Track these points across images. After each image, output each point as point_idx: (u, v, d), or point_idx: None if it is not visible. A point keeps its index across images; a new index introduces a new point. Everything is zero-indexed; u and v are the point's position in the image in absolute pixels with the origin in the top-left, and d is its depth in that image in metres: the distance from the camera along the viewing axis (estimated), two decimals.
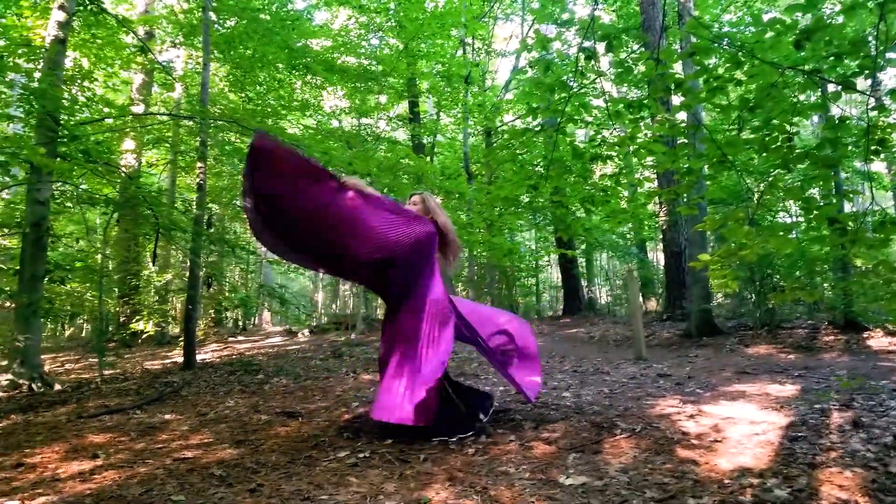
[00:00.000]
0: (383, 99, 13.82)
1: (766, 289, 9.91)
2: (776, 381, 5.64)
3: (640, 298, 8.48)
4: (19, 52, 5.81)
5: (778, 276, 10.09)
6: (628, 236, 19.98)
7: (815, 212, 3.66)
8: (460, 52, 14.00)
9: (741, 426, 3.80)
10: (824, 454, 3.17)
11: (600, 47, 3.98)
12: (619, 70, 3.74)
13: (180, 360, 8.03)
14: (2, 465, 3.50)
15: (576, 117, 4.03)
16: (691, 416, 4.14)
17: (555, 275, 27.87)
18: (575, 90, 3.96)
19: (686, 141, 3.97)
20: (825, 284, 10.63)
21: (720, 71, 3.67)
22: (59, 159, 5.80)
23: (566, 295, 18.39)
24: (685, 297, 11.86)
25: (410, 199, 4.30)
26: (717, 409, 4.35)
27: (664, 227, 12.85)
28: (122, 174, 7.09)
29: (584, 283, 20.01)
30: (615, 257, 20.88)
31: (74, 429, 4.45)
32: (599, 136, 4.13)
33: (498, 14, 18.35)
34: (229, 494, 2.86)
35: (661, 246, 20.94)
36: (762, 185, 4.06)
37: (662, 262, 17.20)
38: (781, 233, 3.93)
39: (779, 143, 3.55)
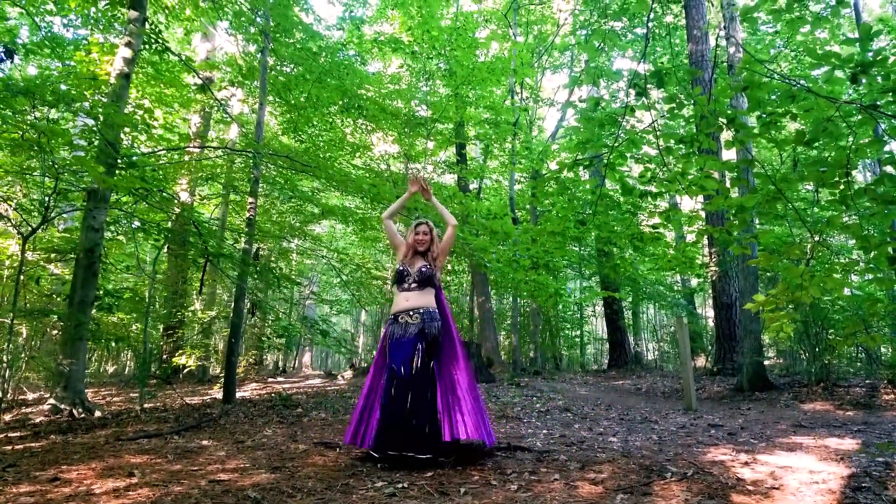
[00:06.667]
0: (431, 145, 14.08)
1: (821, 344, 9.52)
2: (834, 434, 5.36)
3: (690, 349, 8.22)
4: (85, 85, 6.13)
5: (833, 333, 9.69)
6: (676, 288, 19.57)
7: (874, 251, 3.52)
8: (508, 102, 14.22)
9: (800, 474, 3.61)
10: None
11: (653, 93, 3.99)
12: (671, 105, 3.72)
13: (220, 396, 8.09)
14: (38, 478, 3.53)
15: (625, 152, 4.01)
16: (746, 464, 3.96)
17: (599, 327, 27.37)
18: (625, 126, 3.96)
19: (736, 175, 3.90)
20: (882, 345, 10.19)
21: (774, 107, 3.62)
22: (116, 175, 6.03)
23: (612, 347, 17.99)
24: (736, 350, 11.48)
25: (418, 227, 4.54)
26: (773, 459, 4.16)
27: (714, 278, 12.52)
28: (176, 203, 7.31)
29: (630, 337, 19.54)
30: (662, 308, 20.40)
31: (112, 450, 4.48)
32: (649, 173, 4.09)
33: (546, 64, 18.65)
34: None
35: (709, 302, 20.42)
36: (816, 234, 3.93)
37: (711, 316, 16.72)
38: (838, 275, 3.80)
39: (836, 179, 3.45)
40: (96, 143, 6.36)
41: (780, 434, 5.47)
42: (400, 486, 3.40)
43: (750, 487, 3.33)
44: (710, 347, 16.45)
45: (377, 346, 4.55)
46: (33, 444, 4.79)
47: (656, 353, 23.08)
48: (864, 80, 3.26)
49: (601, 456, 4.32)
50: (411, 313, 4.24)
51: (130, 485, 3.36)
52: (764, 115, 3.59)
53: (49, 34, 8.95)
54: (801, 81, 3.83)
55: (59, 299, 8.66)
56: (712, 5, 14.40)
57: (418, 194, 4.78)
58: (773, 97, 3.60)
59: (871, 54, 3.26)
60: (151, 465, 3.90)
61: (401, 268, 4.41)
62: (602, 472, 3.75)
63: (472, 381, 4.32)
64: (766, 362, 10.66)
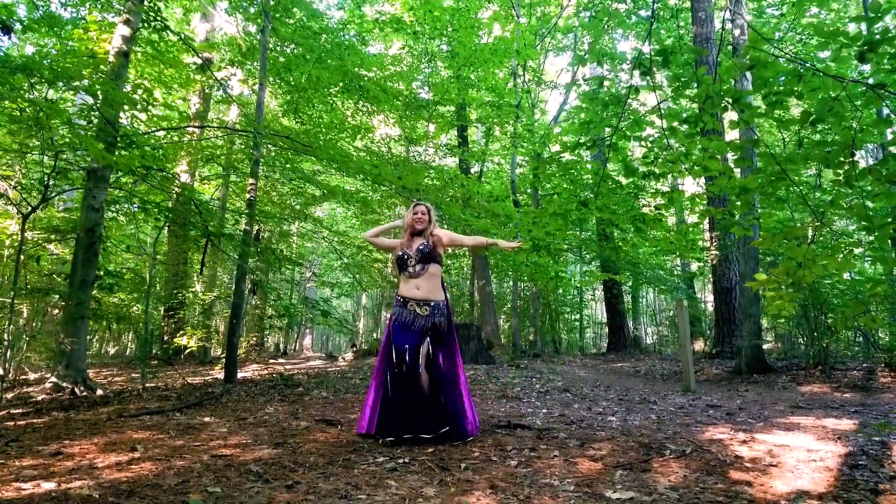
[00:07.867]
0: (432, 128, 14.02)
1: (819, 328, 9.55)
2: (832, 415, 5.40)
3: (689, 332, 8.25)
4: (84, 63, 6.10)
5: (831, 317, 9.71)
6: (676, 272, 19.58)
7: (876, 231, 3.51)
8: (510, 84, 14.14)
9: (797, 452, 3.64)
10: (887, 483, 3.00)
11: (658, 76, 3.96)
12: (675, 85, 3.70)
13: (221, 376, 8.13)
14: (41, 453, 3.55)
15: (628, 133, 3.99)
16: (744, 442, 3.99)
17: (599, 311, 27.46)
18: (628, 108, 3.93)
19: (740, 156, 3.88)
20: (880, 328, 10.21)
21: (779, 87, 3.59)
22: (116, 154, 6.02)
23: (611, 331, 18.00)
24: (735, 334, 11.52)
25: (416, 207, 4.50)
26: (770, 438, 4.18)
27: (714, 262, 12.53)
28: (176, 183, 7.29)
29: (629, 321, 19.57)
30: (662, 293, 20.42)
31: (114, 426, 4.51)
32: (653, 153, 4.07)
33: (549, 46, 18.51)
34: (266, 489, 2.85)
35: (709, 287, 20.46)
36: (819, 216, 3.92)
37: (710, 301, 16.73)
38: (841, 255, 3.79)
39: (841, 160, 3.44)
40: (95, 121, 6.33)
41: (778, 414, 5.50)
42: (401, 461, 3.43)
43: (748, 465, 3.36)
44: (708, 331, 16.48)
45: (385, 331, 4.53)
46: (35, 421, 4.82)
47: (655, 337, 23.15)
48: (871, 58, 3.23)
49: (600, 434, 4.35)
50: (421, 304, 4.19)
51: (133, 459, 3.39)
52: (770, 95, 3.57)
53: (46, 12, 8.85)
54: (808, 64, 3.79)
55: (59, 279, 8.67)
56: None
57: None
58: (780, 78, 3.58)
59: (878, 36, 3.24)
60: (154, 441, 3.93)
61: (400, 252, 4.35)
62: (601, 449, 3.78)
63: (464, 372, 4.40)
64: (764, 346, 10.71)
